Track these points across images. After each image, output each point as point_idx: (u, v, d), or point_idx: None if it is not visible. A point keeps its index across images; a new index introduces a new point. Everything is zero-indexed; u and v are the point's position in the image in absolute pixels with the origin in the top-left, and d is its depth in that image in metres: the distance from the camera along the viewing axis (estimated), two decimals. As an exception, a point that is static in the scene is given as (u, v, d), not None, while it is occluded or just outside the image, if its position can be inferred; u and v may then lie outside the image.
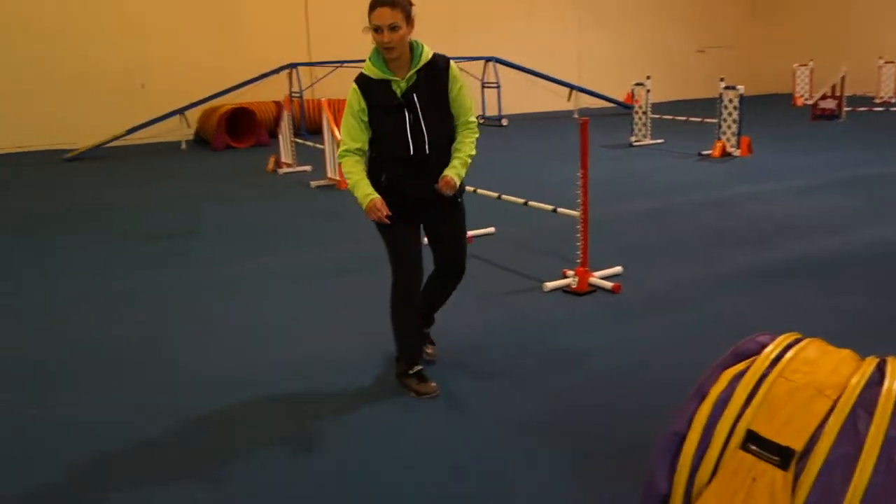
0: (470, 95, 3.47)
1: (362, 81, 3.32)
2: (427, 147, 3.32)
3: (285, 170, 9.87)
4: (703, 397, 2.09)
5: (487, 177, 7.88)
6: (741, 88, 9.98)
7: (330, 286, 5.09)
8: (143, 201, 8.34)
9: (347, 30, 14.63)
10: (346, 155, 3.34)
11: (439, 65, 3.35)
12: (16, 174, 10.67)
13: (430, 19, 16.75)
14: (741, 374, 2.10)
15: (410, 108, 3.30)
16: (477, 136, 3.47)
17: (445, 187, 3.28)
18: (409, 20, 3.22)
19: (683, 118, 12.38)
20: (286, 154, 9.99)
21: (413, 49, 3.31)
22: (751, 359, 2.15)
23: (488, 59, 14.95)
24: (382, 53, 3.24)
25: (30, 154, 12.50)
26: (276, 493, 2.73)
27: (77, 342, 4.24)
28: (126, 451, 3.05)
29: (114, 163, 11.41)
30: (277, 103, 13.14)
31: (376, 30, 3.19)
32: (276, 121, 12.72)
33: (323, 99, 9.47)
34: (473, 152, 3.43)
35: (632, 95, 11.74)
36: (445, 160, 3.36)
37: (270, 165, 10.13)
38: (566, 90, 15.98)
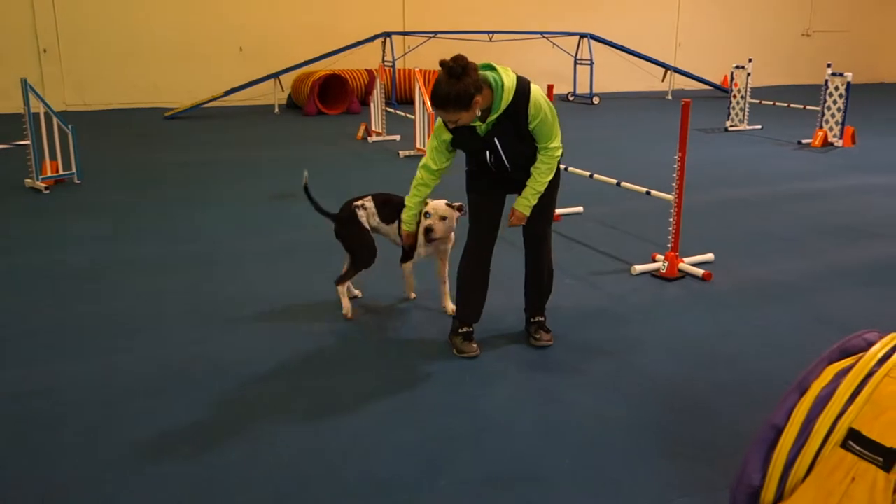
0: (551, 121, 3.40)
1: None
2: (508, 167, 3.48)
3: (374, 138, 9.98)
4: (804, 391, 2.04)
5: (578, 155, 7.80)
6: (849, 76, 9.52)
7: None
8: (239, 162, 8.60)
9: (442, 1, 14.77)
10: (422, 169, 3.57)
11: (520, 102, 3.29)
12: (122, 128, 11.13)
13: (526, -7, 16.48)
14: (846, 370, 2.04)
15: (492, 149, 3.41)
16: (556, 159, 3.47)
17: (517, 222, 3.54)
18: (471, 106, 3.18)
19: (784, 104, 11.90)
20: (376, 122, 10.10)
21: (493, 92, 3.25)
22: (857, 356, 2.09)
23: (582, 36, 14.68)
24: None
25: (135, 111, 13.01)
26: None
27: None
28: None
29: (210, 122, 11.76)
30: (370, 71, 13.27)
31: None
32: (368, 89, 12.89)
33: (416, 69, 9.51)
34: (548, 178, 3.48)
35: (730, 78, 11.35)
36: (527, 172, 3.48)
37: (360, 133, 10.26)
38: (660, 70, 15.58)
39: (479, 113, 3.25)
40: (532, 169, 3.46)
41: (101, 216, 6.19)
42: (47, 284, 4.61)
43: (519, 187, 3.54)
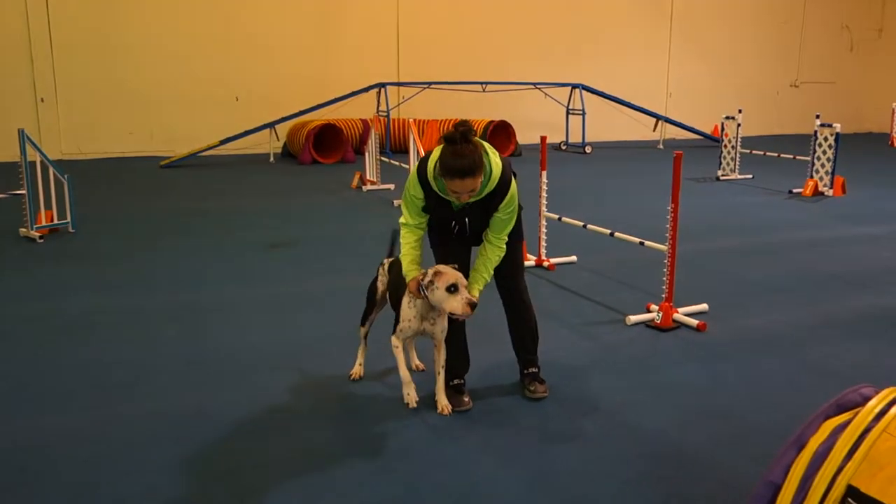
0: (513, 214, 3.46)
1: (423, 180, 3.38)
2: (468, 235, 3.53)
3: (369, 187, 10.05)
4: (801, 447, 2.03)
5: (571, 204, 7.85)
6: (838, 126, 9.67)
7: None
8: (233, 211, 8.63)
9: (436, 52, 15.08)
10: (404, 226, 3.52)
11: (498, 192, 3.34)
12: (117, 177, 11.17)
13: (519, 44, 16.94)
14: (843, 426, 2.03)
15: (460, 223, 3.47)
16: (504, 252, 3.51)
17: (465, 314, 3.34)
18: (482, 170, 3.21)
19: (774, 154, 12.05)
20: (371, 172, 10.17)
21: (482, 176, 3.26)
22: (853, 411, 2.08)
23: (574, 86, 14.92)
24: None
25: (130, 160, 13.08)
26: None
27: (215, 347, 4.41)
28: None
29: (206, 171, 11.83)
30: (364, 121, 13.42)
31: (453, 191, 3.24)
32: (362, 138, 13.03)
33: (410, 119, 9.62)
34: (494, 267, 3.52)
35: (720, 128, 11.52)
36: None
37: (355, 182, 10.33)
38: (652, 120, 15.80)
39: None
40: (480, 259, 3.50)
41: (95, 266, 6.17)
42: (39, 334, 4.57)
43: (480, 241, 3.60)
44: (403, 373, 3.45)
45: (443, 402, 3.55)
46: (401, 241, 3.54)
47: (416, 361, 4.03)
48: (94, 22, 12.94)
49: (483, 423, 3.46)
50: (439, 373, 3.56)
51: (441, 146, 3.25)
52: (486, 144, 3.36)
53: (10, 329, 4.66)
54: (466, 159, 3.13)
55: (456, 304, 3.27)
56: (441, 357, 3.55)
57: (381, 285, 3.82)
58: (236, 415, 3.50)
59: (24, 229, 7.13)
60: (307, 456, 3.14)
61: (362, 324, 3.91)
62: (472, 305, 3.28)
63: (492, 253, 3.49)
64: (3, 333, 4.59)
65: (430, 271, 3.33)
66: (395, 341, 3.51)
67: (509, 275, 3.67)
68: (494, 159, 3.33)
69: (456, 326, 3.64)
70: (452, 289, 3.28)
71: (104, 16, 12.98)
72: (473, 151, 3.15)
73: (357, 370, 3.91)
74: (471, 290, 3.42)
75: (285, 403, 3.63)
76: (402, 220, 3.53)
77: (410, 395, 3.43)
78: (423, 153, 8.65)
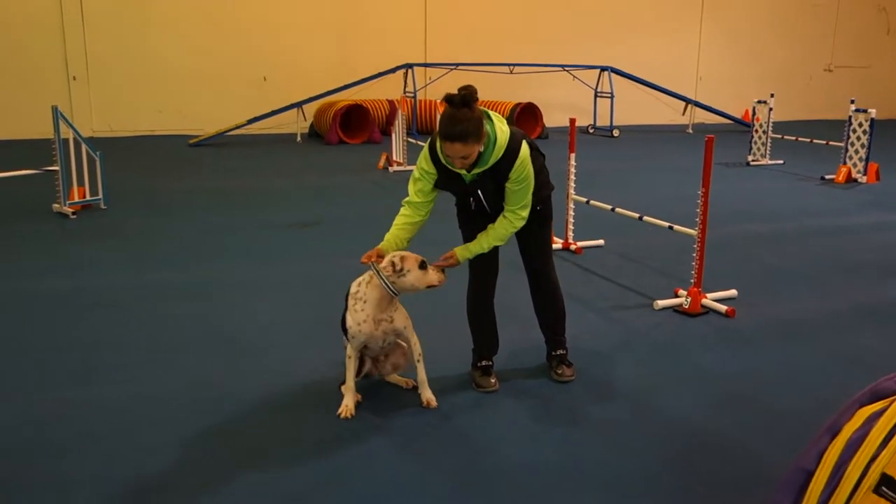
0: (528, 188, 3.33)
1: (434, 155, 3.33)
2: (489, 213, 3.44)
3: (395, 168, 10.05)
4: (834, 434, 2.01)
5: (599, 188, 7.80)
6: (873, 112, 9.49)
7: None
8: (260, 190, 8.68)
9: (463, 33, 14.97)
10: (405, 203, 3.44)
11: (506, 161, 3.23)
12: (147, 155, 11.28)
13: (547, 26, 16.75)
14: (878, 413, 2.00)
15: (475, 197, 3.40)
16: (516, 227, 3.40)
17: (450, 264, 3.37)
18: (480, 139, 3.14)
19: (807, 139, 11.86)
20: (397, 152, 10.17)
21: (485, 145, 3.19)
22: (889, 399, 2.05)
23: (603, 69, 14.76)
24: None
25: (160, 138, 13.19)
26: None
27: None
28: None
29: (233, 150, 11.89)
30: (391, 102, 13.40)
31: (447, 155, 3.17)
32: (389, 119, 13.01)
33: (437, 100, 9.59)
34: (500, 243, 3.45)
35: (751, 113, 11.35)
36: None
37: (381, 162, 10.34)
38: (681, 103, 15.61)
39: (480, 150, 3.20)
40: (489, 226, 3.42)
41: (126, 242, 6.26)
42: (69, 309, 4.65)
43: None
44: (350, 383, 3.34)
45: (427, 396, 3.40)
46: (395, 220, 3.44)
47: (405, 379, 3.65)
48: (125, 2, 13.03)
49: (510, 404, 3.47)
50: (417, 363, 3.40)
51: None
52: (493, 113, 3.29)
53: (41, 304, 4.74)
54: (461, 125, 3.06)
55: (433, 277, 3.28)
56: (416, 347, 3.39)
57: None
58: (261, 391, 3.54)
59: (56, 205, 7.23)
60: (329, 432, 3.17)
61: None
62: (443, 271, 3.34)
63: (500, 226, 3.39)
64: (34, 309, 4.67)
65: (395, 258, 3.22)
66: (348, 350, 3.32)
67: (537, 256, 3.65)
68: (500, 126, 3.24)
69: (485, 308, 3.64)
70: (424, 265, 3.27)
71: (135, -6, 13.08)
72: (470, 117, 3.07)
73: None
74: (458, 250, 3.40)
75: (310, 380, 3.66)
76: (405, 199, 3.46)
77: (348, 407, 3.29)
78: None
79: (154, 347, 4.07)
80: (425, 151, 3.39)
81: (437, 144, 3.27)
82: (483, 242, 3.42)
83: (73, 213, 7.12)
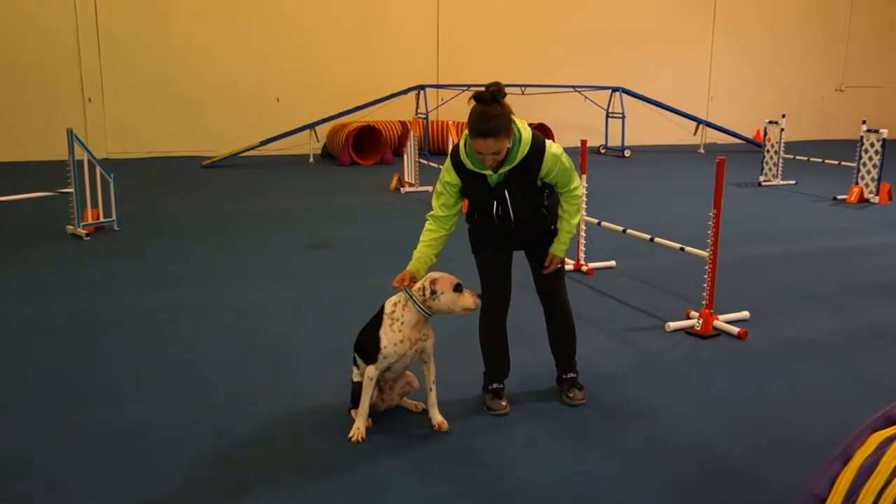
0: (568, 167, 3.41)
1: (458, 164, 3.37)
2: (512, 220, 3.47)
3: (407, 189, 10.09)
4: (847, 460, 2.00)
5: (610, 208, 7.80)
6: (885, 132, 9.47)
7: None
8: (273, 211, 8.73)
9: (475, 54, 15.07)
10: (430, 218, 3.52)
11: (533, 158, 3.29)
12: (161, 176, 11.38)
13: (559, 46, 16.82)
14: (891, 439, 1.99)
15: (500, 201, 3.41)
16: (580, 199, 3.52)
17: (556, 265, 3.52)
18: (510, 134, 3.18)
19: (818, 159, 11.83)
20: (409, 173, 10.22)
21: (512, 142, 3.23)
22: (901, 424, 2.04)
23: (614, 89, 14.81)
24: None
25: (173, 159, 13.30)
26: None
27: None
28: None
29: (246, 171, 11.98)
30: (403, 123, 13.48)
31: (477, 152, 3.20)
32: (401, 140, 13.08)
33: (449, 121, 9.65)
34: (577, 220, 3.55)
35: (763, 133, 11.34)
36: (530, 225, 3.51)
37: (393, 183, 10.38)
38: (692, 124, 15.62)
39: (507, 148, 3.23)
40: (560, 213, 3.52)
41: (139, 263, 6.30)
42: (84, 330, 4.68)
43: (522, 243, 3.60)
44: (364, 406, 3.29)
45: (437, 419, 3.38)
46: (423, 234, 3.52)
47: (413, 402, 3.64)
48: (140, 25, 13.20)
49: (521, 427, 3.46)
50: (431, 388, 3.39)
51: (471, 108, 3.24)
52: (518, 119, 3.33)
53: (57, 325, 4.78)
54: (493, 121, 3.10)
55: (469, 300, 3.27)
56: (432, 373, 3.39)
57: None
58: (278, 412, 3.55)
59: (71, 227, 7.30)
60: (343, 455, 3.17)
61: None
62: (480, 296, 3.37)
63: (567, 204, 3.48)
64: (50, 329, 4.71)
65: (426, 282, 3.23)
66: (371, 372, 3.25)
67: (550, 278, 3.65)
68: (523, 125, 3.31)
69: (498, 331, 3.64)
70: (459, 287, 3.26)
71: (150, 19, 13.24)
72: (501, 113, 3.12)
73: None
74: (555, 249, 3.50)
75: (327, 402, 3.66)
76: (430, 213, 3.54)
77: (360, 430, 3.28)
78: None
79: (171, 369, 4.09)
80: (447, 163, 3.44)
81: (462, 150, 3.32)
82: (564, 225, 3.51)
83: (87, 235, 7.18)
